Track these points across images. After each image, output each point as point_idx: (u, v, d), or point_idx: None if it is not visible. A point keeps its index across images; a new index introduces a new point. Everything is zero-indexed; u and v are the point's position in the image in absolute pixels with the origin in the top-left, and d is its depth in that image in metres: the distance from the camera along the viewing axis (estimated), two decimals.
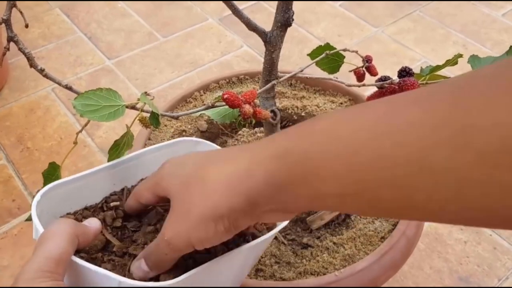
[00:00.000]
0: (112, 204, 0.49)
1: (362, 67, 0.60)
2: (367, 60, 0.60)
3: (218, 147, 0.54)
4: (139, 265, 0.39)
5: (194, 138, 0.55)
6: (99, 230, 0.43)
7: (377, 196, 0.27)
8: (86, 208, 0.49)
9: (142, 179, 0.53)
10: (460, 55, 0.54)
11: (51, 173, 0.52)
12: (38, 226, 0.41)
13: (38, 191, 0.45)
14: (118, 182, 0.51)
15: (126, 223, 0.47)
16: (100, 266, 0.42)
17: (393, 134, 0.26)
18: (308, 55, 0.61)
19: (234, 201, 0.33)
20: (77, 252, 0.41)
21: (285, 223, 0.45)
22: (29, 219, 0.52)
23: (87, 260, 0.40)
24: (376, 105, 0.29)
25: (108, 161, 0.52)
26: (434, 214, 0.26)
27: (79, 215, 0.48)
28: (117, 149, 0.50)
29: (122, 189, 0.51)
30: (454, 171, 0.24)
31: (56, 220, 0.41)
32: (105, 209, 0.49)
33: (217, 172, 0.34)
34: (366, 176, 0.27)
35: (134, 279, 0.40)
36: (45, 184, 0.52)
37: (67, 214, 0.48)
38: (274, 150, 0.32)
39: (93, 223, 0.43)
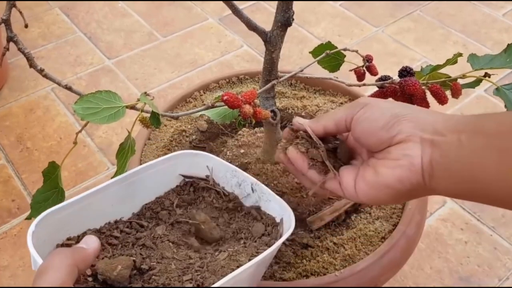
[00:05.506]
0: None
1: (363, 66, 0.60)
2: (368, 59, 0.59)
3: (215, 157, 0.55)
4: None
5: (193, 151, 0.56)
6: (98, 249, 0.43)
7: None
8: (84, 233, 0.48)
9: (146, 205, 0.54)
10: (460, 54, 0.54)
11: (51, 172, 0.51)
12: (35, 257, 0.40)
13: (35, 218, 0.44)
14: (116, 202, 0.51)
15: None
16: None
17: None
18: (310, 52, 0.61)
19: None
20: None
21: (291, 230, 0.47)
22: (29, 218, 0.52)
23: None
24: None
25: (117, 166, 0.51)
26: None
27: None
28: (123, 153, 0.50)
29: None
30: None
31: (54, 250, 0.41)
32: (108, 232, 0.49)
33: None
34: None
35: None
36: (45, 182, 0.52)
37: (67, 239, 0.47)
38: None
39: (90, 243, 0.43)
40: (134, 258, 0.45)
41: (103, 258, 0.45)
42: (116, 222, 0.51)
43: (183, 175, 0.56)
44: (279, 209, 0.51)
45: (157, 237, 0.50)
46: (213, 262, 0.46)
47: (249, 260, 0.45)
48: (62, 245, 0.47)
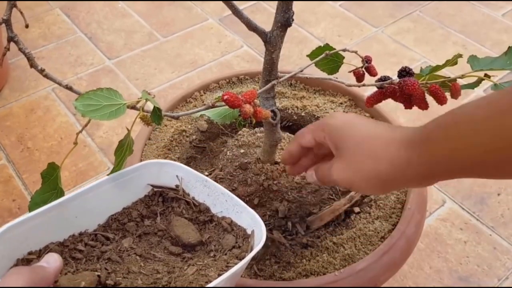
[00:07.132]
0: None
1: (362, 67, 0.60)
2: (367, 60, 0.60)
3: (184, 166, 0.54)
4: (312, 174, 0.53)
5: (161, 160, 0.55)
6: (60, 268, 0.41)
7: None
8: (47, 246, 0.47)
9: (112, 216, 0.52)
10: (460, 55, 0.54)
11: (50, 173, 0.51)
12: None
13: None
14: (81, 214, 0.49)
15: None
16: None
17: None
18: (307, 56, 0.61)
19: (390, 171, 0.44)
20: None
21: (262, 243, 0.46)
22: None
23: None
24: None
25: (115, 163, 0.51)
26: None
27: (44, 254, 0.45)
28: (121, 151, 0.50)
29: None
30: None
31: (11, 270, 0.39)
32: (72, 245, 0.48)
33: (381, 152, 0.45)
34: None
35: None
36: (43, 184, 0.51)
37: (29, 253, 0.45)
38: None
39: (52, 262, 0.40)
40: (99, 273, 0.44)
41: (66, 274, 0.43)
42: (80, 234, 0.49)
43: (151, 185, 0.55)
44: (251, 221, 0.49)
45: (124, 250, 0.48)
46: (181, 277, 0.45)
47: (218, 275, 0.44)
48: (23, 260, 0.45)
